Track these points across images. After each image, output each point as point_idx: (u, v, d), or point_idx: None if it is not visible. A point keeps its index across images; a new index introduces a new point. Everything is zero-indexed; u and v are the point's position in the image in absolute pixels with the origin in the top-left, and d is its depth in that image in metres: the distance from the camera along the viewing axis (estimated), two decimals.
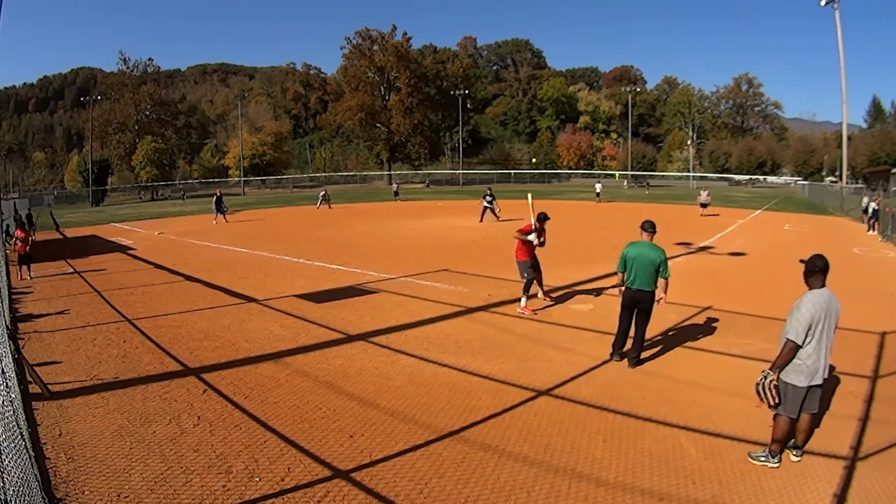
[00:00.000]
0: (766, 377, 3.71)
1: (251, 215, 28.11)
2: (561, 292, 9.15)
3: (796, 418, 3.82)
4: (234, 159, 65.48)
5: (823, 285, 3.89)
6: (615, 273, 5.87)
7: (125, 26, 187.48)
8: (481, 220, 20.59)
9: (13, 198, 35.69)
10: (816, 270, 3.90)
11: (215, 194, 24.83)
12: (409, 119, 65.93)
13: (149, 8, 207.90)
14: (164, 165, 63.23)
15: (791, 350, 3.70)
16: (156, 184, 60.30)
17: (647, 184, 57.50)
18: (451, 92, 68.18)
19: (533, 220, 7.97)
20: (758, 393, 3.73)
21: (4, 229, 16.08)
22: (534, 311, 7.86)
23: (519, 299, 8.04)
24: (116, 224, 26.45)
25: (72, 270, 12.71)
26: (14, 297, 9.87)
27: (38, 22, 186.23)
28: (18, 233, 12.18)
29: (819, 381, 3.77)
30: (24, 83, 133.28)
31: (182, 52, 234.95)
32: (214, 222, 23.55)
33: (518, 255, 8.07)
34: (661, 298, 5.70)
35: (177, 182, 64.19)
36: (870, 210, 18.23)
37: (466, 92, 68.98)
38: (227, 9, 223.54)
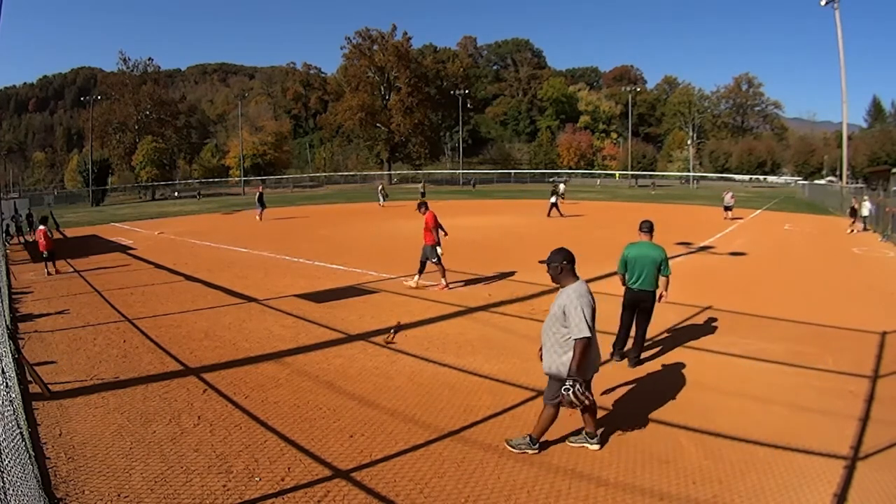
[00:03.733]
0: (573, 385, 3.57)
1: (292, 212, 27.51)
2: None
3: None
4: (235, 159, 65.48)
5: (578, 278, 3.86)
6: (615, 273, 5.88)
7: (125, 26, 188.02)
8: (549, 215, 22.41)
9: (13, 198, 35.67)
10: (568, 267, 3.81)
11: (258, 192, 25.86)
12: (410, 119, 65.86)
13: (149, 8, 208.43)
14: (165, 165, 63.22)
15: (586, 347, 3.61)
16: (156, 184, 60.34)
17: (653, 183, 56.07)
18: (451, 92, 68.16)
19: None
20: (570, 404, 3.60)
21: (4, 229, 16.08)
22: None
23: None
24: (116, 224, 26.46)
25: (72, 270, 12.71)
26: (14, 296, 9.87)
27: (38, 22, 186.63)
28: (41, 230, 12.54)
29: (598, 368, 3.90)
30: (24, 83, 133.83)
31: (182, 52, 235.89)
32: (258, 218, 23.92)
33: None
34: (662, 296, 5.72)
35: (176, 182, 64.25)
36: (864, 210, 18.26)
37: (466, 92, 68.92)
38: (227, 9, 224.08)
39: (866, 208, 18.24)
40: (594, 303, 3.75)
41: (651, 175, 62.73)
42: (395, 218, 23.97)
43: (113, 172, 64.14)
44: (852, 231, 17.94)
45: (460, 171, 66.16)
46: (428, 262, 9.50)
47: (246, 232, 19.96)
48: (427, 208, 9.66)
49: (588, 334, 3.59)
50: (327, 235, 18.17)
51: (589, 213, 25.48)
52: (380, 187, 31.90)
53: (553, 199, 22.98)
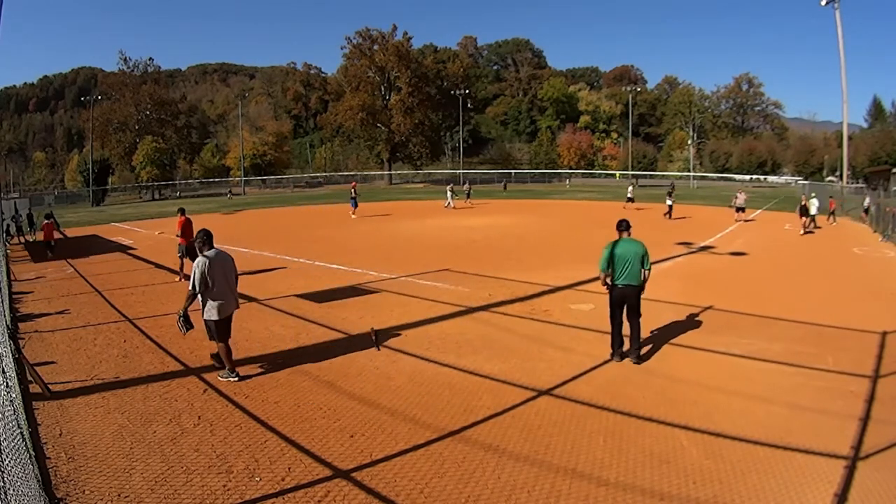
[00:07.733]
0: (178, 316, 5.45)
1: (375, 209, 26.62)
2: (561, 292, 9.15)
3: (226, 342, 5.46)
4: (235, 159, 65.44)
5: (211, 248, 5.41)
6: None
7: (125, 26, 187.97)
8: (665, 215, 22.09)
9: (13, 198, 35.65)
10: (206, 240, 5.42)
11: (352, 188, 25.58)
12: (410, 119, 65.75)
13: (149, 8, 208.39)
14: (165, 165, 63.18)
15: (190, 297, 5.30)
16: (156, 183, 60.31)
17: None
18: (452, 92, 68.05)
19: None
20: (178, 327, 5.52)
21: (5, 229, 16.07)
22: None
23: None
24: (117, 224, 26.46)
25: (72, 270, 12.71)
26: (15, 296, 9.88)
27: (39, 22, 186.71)
28: (45, 224, 15.42)
29: (229, 314, 5.44)
30: (25, 83, 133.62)
31: (182, 52, 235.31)
32: (353, 216, 23.81)
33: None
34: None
35: (177, 181, 64.21)
36: (813, 208, 18.12)
37: (467, 92, 68.83)
38: (227, 9, 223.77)
39: (814, 206, 18.18)
40: (207, 268, 5.20)
41: (652, 175, 62.30)
42: (394, 218, 23.95)
43: (113, 172, 64.17)
44: (804, 231, 17.56)
45: (461, 171, 66.10)
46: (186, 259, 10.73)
47: (246, 232, 19.96)
48: (183, 214, 11.15)
49: (191, 289, 5.23)
50: (327, 235, 18.18)
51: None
52: (449, 187, 29.97)
53: (670, 202, 22.24)
